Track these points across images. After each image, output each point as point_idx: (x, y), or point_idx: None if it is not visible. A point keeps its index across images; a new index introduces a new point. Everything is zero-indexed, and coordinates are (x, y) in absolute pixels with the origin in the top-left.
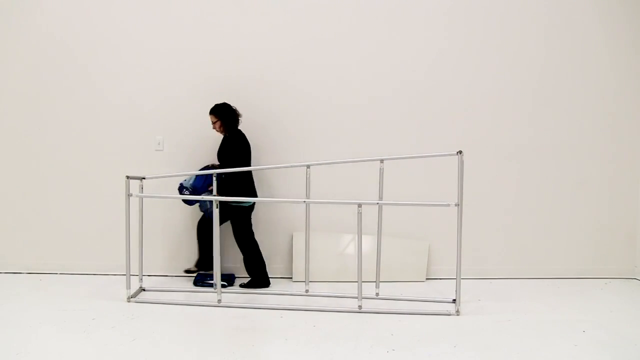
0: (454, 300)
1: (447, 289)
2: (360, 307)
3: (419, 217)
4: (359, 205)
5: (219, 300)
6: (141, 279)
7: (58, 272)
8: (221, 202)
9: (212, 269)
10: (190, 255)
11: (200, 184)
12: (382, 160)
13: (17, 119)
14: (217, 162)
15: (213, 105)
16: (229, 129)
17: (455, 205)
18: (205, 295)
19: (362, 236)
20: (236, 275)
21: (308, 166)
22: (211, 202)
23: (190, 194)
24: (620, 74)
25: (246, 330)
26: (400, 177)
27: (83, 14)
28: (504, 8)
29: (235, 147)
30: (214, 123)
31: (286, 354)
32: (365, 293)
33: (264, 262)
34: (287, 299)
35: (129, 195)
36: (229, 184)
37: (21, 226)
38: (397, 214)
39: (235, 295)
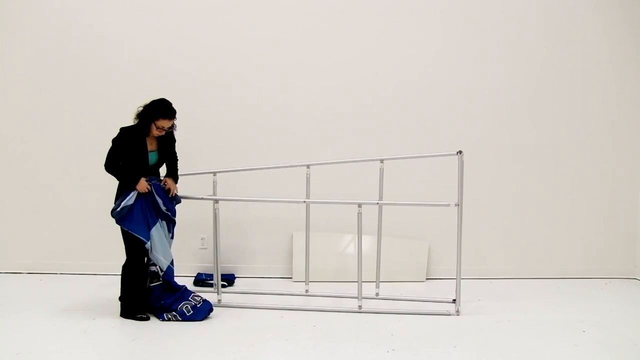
0: (454, 300)
1: (447, 289)
2: (360, 307)
3: (419, 217)
4: (359, 205)
5: (219, 300)
6: None
7: (58, 272)
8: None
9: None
10: (190, 254)
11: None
12: (382, 160)
13: (16, 119)
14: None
15: (173, 106)
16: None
17: (455, 205)
18: (206, 295)
19: (362, 236)
20: (236, 275)
21: (308, 166)
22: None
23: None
24: (620, 73)
25: (246, 330)
26: (400, 177)
27: (81, 13)
28: (503, 6)
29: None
30: (171, 127)
31: (286, 354)
32: (365, 293)
33: None
34: (287, 299)
35: None
36: None
37: (21, 226)
38: (397, 214)
39: (235, 295)
